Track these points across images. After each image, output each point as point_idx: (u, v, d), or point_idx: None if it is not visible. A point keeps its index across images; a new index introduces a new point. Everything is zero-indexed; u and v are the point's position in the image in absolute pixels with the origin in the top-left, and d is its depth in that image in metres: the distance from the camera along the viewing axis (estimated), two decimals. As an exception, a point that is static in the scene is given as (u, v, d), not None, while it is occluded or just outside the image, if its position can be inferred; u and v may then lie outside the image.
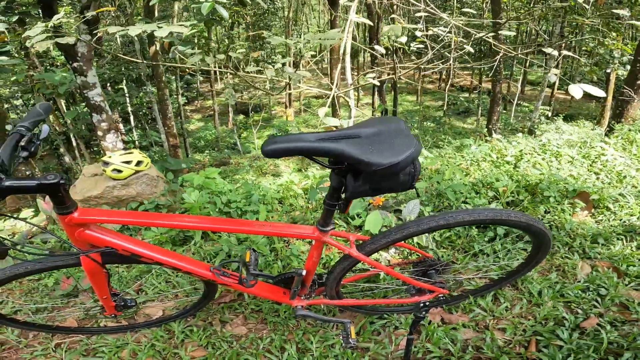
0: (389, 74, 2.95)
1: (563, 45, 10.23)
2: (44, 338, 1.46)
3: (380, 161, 0.79)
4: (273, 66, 2.33)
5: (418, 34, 1.92)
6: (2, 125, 3.71)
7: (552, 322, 1.34)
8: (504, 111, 12.95)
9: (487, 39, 2.67)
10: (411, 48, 2.80)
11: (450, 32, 2.58)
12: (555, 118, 10.68)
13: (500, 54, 2.58)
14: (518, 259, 1.69)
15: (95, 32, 3.14)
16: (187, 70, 16.77)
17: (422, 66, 2.78)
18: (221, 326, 1.52)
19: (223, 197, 2.16)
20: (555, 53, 2.13)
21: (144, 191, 2.23)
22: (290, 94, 14.51)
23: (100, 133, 4.17)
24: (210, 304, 1.59)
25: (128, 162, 2.20)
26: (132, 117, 12.64)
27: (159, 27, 1.70)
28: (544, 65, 12.72)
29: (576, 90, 1.49)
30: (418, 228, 1.05)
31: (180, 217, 1.06)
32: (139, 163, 2.24)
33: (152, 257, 1.00)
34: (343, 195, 0.94)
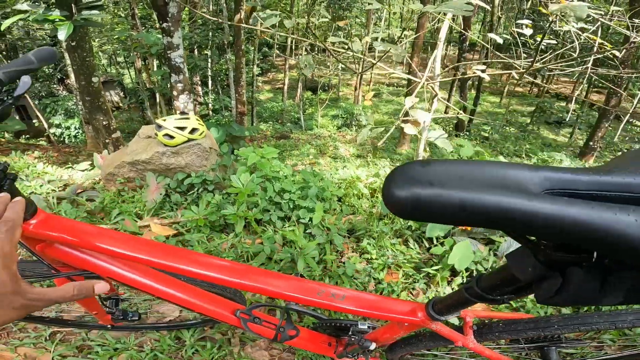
0: (509, 69, 2.40)
1: None
2: (40, 322, 1.30)
3: None
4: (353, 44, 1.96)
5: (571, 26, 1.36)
6: (89, 78, 3.85)
7: None
8: (609, 128, 11.06)
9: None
10: (535, 44, 2.21)
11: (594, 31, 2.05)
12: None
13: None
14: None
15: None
16: (266, 40, 16.96)
17: (551, 66, 2.19)
18: (240, 347, 1.24)
19: (276, 184, 1.86)
20: None
21: (194, 162, 2.02)
22: (361, 77, 13.89)
23: (175, 93, 4.29)
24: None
25: (182, 129, 1.99)
26: (210, 82, 13.16)
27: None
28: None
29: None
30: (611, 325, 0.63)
31: (193, 258, 0.63)
32: (193, 130, 2.02)
33: (153, 289, 0.69)
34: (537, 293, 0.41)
